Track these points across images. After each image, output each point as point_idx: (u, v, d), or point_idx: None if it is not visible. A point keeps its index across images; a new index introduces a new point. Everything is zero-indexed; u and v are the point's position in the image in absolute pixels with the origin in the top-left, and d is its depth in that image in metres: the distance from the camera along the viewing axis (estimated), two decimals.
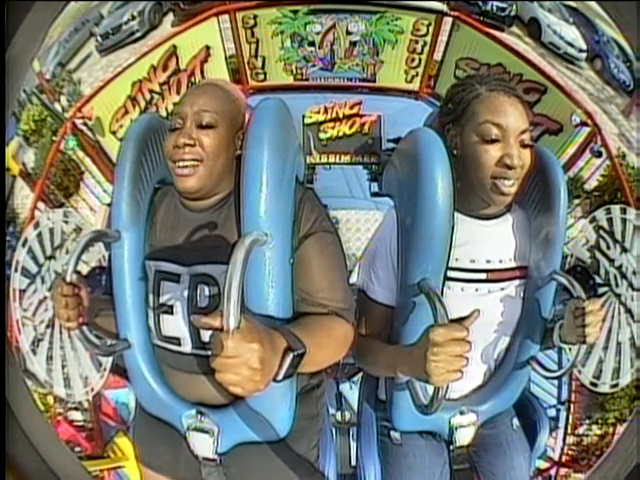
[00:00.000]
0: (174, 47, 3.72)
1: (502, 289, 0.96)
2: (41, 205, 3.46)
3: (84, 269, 2.27)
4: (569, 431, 3.44)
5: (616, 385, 2.64)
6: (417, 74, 3.91)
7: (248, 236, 0.69)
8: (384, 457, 1.05)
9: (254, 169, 0.79)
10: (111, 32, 4.41)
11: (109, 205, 0.97)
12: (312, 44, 3.85)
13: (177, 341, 0.90)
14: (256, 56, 3.86)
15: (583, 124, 3.52)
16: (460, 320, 0.75)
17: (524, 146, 0.88)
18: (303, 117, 3.86)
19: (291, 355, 0.67)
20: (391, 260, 0.94)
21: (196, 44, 3.75)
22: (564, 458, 3.33)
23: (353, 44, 3.86)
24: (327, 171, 4.02)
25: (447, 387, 0.76)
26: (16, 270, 2.54)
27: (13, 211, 3.58)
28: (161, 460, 0.97)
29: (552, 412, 3.40)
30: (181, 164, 0.86)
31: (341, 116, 3.93)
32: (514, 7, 4.41)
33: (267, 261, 0.79)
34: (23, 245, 2.56)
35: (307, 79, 3.94)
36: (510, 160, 0.86)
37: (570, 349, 1.01)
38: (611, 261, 2.64)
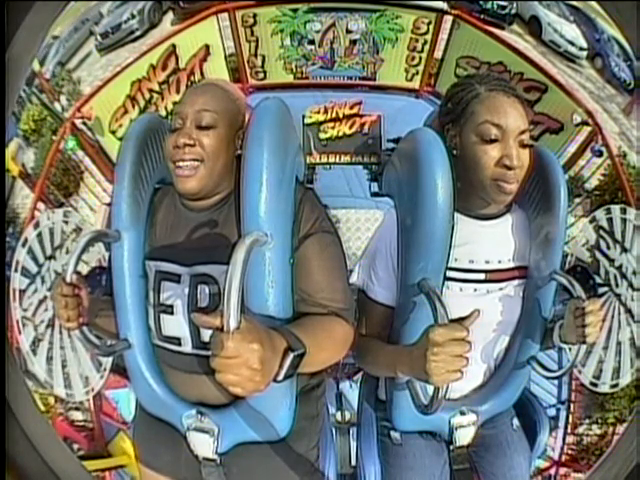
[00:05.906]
0: (173, 46, 3.71)
1: (501, 289, 0.96)
2: (41, 205, 3.45)
3: (84, 269, 2.27)
4: (569, 431, 3.45)
5: (616, 385, 2.64)
6: (417, 72, 3.91)
7: (248, 236, 0.69)
8: (384, 457, 1.05)
9: (254, 169, 0.79)
10: (111, 31, 4.41)
11: (109, 205, 0.97)
12: (312, 42, 3.85)
13: (177, 341, 0.90)
14: (256, 55, 3.86)
15: (584, 123, 3.52)
16: (460, 320, 0.75)
17: (523, 146, 0.88)
18: (303, 117, 3.85)
19: (291, 355, 0.67)
20: (391, 260, 0.94)
21: (195, 43, 3.75)
22: (564, 458, 3.34)
23: (353, 42, 3.85)
24: (327, 171, 4.02)
25: (447, 387, 0.76)
26: (16, 270, 2.54)
27: (13, 211, 3.59)
28: (161, 460, 0.97)
29: (552, 412, 3.40)
30: (181, 164, 0.86)
31: (341, 116, 3.92)
32: (514, 5, 4.41)
33: (267, 261, 0.79)
34: (23, 245, 2.56)
35: (307, 78, 3.94)
36: (509, 160, 0.86)
37: (570, 349, 1.00)
38: (611, 261, 2.63)
